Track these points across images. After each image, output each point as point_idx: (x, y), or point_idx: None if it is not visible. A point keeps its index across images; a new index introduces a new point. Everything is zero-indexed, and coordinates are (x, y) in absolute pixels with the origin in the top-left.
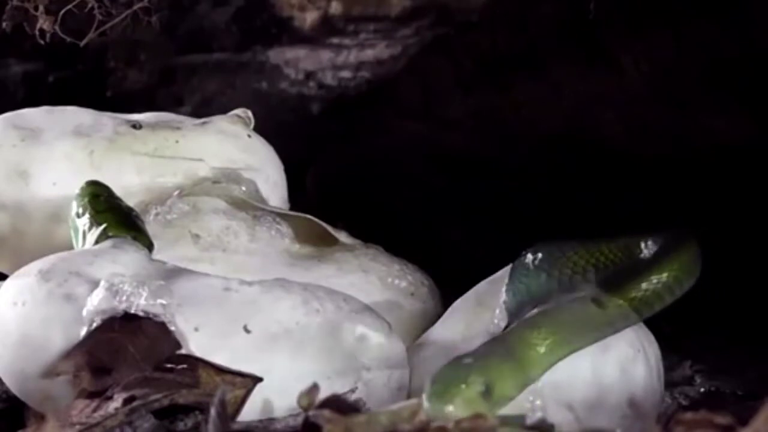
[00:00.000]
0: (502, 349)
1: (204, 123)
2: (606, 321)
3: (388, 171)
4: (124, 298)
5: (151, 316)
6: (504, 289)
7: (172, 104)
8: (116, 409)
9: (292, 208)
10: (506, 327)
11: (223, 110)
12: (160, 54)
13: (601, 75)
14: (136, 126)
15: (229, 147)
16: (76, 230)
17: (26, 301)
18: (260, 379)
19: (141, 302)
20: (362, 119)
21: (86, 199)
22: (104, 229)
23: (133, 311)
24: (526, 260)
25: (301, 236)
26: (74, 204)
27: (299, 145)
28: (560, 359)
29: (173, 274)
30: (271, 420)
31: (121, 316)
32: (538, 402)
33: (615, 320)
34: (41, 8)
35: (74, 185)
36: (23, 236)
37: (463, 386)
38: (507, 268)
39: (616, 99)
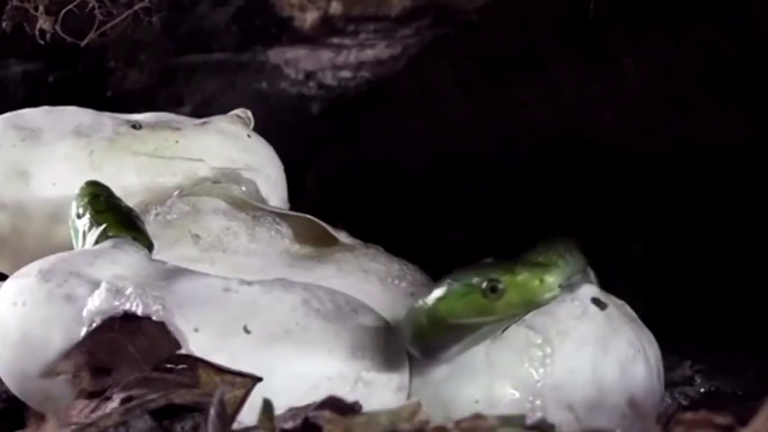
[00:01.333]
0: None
1: (204, 123)
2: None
3: (388, 171)
4: (124, 298)
5: (151, 316)
6: None
7: (172, 104)
8: (113, 409)
9: (292, 208)
10: (507, 327)
11: (223, 110)
12: (160, 54)
13: (601, 75)
14: (136, 126)
15: (228, 147)
16: (76, 231)
17: (26, 302)
18: (260, 379)
19: (141, 303)
20: (362, 119)
21: (86, 200)
22: (104, 230)
23: (133, 311)
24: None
25: (301, 236)
26: (74, 205)
27: (299, 145)
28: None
29: (173, 274)
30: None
31: (121, 316)
32: (538, 402)
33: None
34: (41, 8)
35: (74, 185)
36: (23, 236)
37: None
38: None
39: (616, 99)
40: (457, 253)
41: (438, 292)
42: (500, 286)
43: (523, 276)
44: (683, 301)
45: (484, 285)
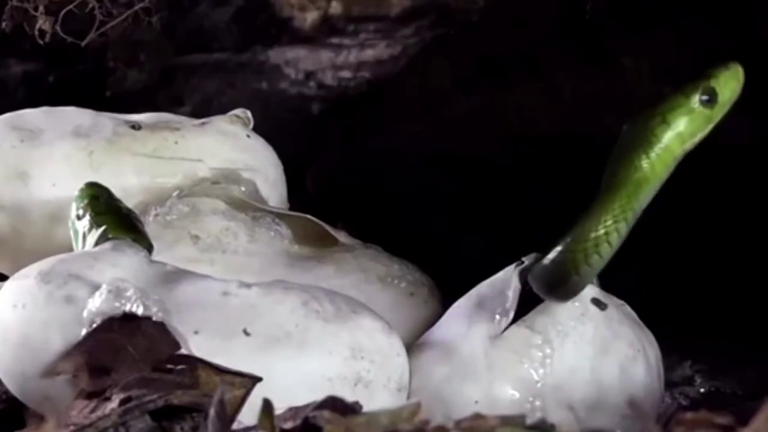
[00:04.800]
0: None
1: (203, 123)
2: None
3: (388, 171)
4: (125, 300)
5: (151, 317)
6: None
7: (172, 104)
8: (112, 409)
9: (292, 208)
10: (507, 327)
11: (223, 110)
12: (160, 54)
13: (601, 75)
14: (135, 127)
15: (228, 147)
16: (76, 232)
17: (26, 303)
18: (259, 379)
19: (142, 305)
20: (362, 119)
21: (86, 201)
22: (104, 231)
23: (133, 312)
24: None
25: (300, 237)
26: (74, 206)
27: (299, 145)
28: None
29: (173, 276)
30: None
31: (121, 316)
32: (538, 402)
33: None
34: (41, 8)
35: (73, 186)
36: (23, 237)
37: None
38: (507, 269)
39: (616, 99)
40: (457, 253)
41: (646, 135)
42: (713, 91)
43: (728, 72)
44: (683, 301)
45: (703, 97)
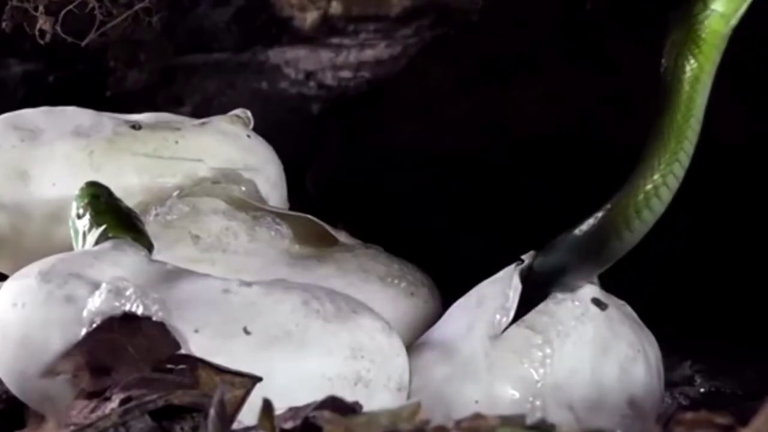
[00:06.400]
0: None
1: (203, 123)
2: None
3: (387, 171)
4: (125, 299)
5: (151, 317)
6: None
7: (172, 104)
8: (112, 409)
9: (292, 208)
10: (507, 327)
11: (223, 110)
12: (160, 54)
13: (601, 75)
14: (135, 126)
15: (228, 147)
16: (77, 231)
17: (26, 303)
18: (259, 379)
19: (141, 304)
20: (362, 119)
21: (86, 200)
22: (104, 231)
23: (133, 312)
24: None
25: (300, 236)
26: (74, 205)
27: (299, 145)
28: None
29: (173, 275)
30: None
31: (121, 316)
32: (538, 402)
33: None
34: (41, 8)
35: (74, 186)
36: (23, 237)
37: None
38: (507, 268)
39: (616, 99)
40: (457, 253)
41: (692, 24)
42: None
43: None
44: (683, 301)
45: None
